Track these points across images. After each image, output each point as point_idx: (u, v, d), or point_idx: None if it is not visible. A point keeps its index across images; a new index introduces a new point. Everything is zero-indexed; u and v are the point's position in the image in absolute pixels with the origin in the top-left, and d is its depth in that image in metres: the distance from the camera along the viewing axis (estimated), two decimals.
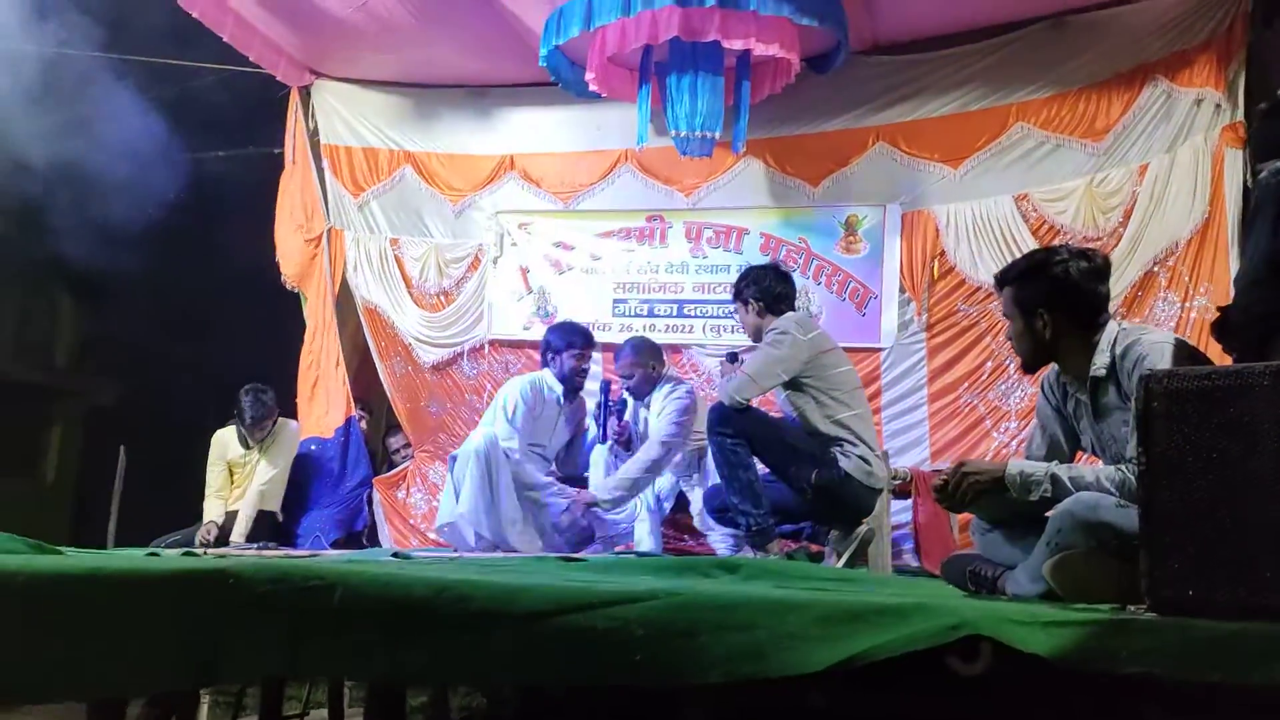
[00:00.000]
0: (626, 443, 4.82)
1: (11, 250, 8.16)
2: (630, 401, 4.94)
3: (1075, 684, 1.71)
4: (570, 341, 4.91)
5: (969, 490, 2.50)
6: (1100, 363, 2.48)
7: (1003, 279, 2.67)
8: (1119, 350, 2.46)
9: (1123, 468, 2.31)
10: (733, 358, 4.31)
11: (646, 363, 4.88)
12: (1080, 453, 2.73)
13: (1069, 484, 2.36)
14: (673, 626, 1.77)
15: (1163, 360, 2.36)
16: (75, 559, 2.55)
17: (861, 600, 1.82)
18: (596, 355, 5.40)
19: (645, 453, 4.56)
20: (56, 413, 11.83)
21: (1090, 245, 5.00)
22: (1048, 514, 2.60)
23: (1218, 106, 4.94)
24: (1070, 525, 2.23)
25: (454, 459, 4.74)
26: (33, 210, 7.15)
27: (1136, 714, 1.74)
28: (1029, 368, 2.72)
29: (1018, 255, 5.07)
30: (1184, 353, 2.40)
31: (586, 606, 1.82)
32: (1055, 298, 2.55)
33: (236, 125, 7.57)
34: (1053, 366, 2.71)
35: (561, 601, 1.83)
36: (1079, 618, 1.74)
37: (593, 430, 4.98)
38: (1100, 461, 2.57)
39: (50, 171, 6.73)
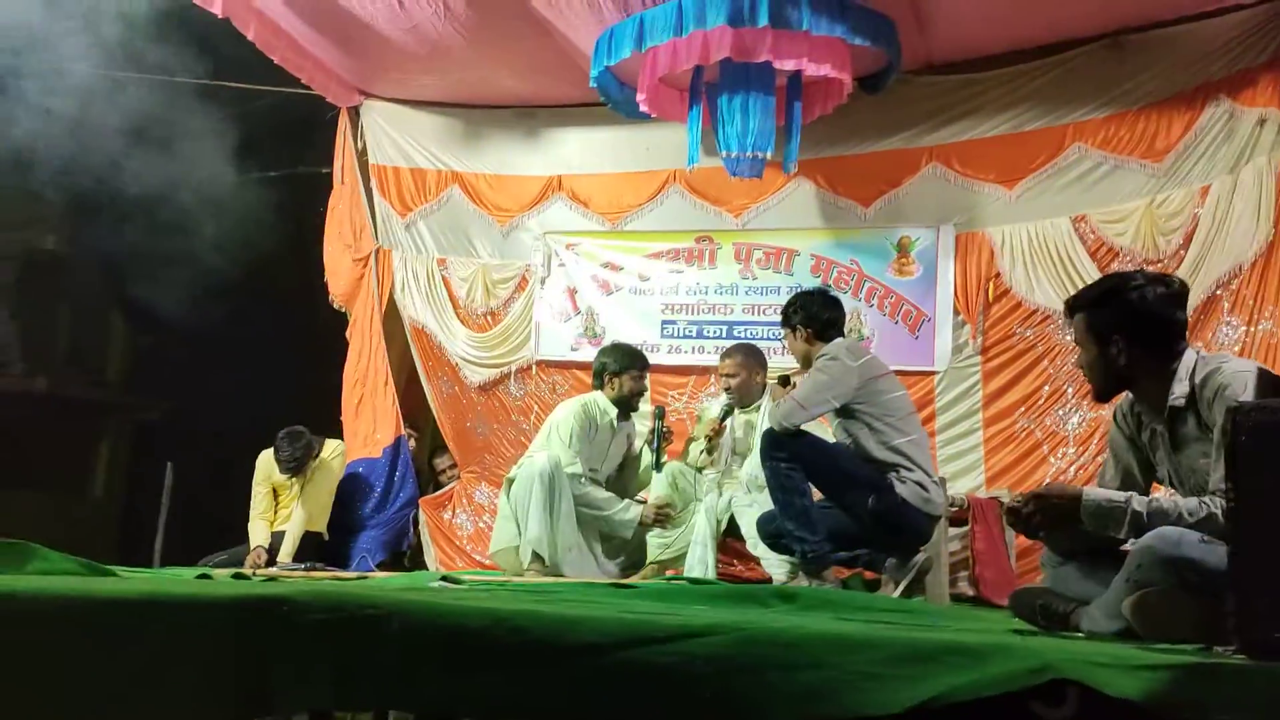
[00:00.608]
0: (713, 448, 4.74)
1: (65, 267, 8.29)
2: (735, 415, 4.81)
3: None
4: (629, 364, 4.88)
5: (1043, 515, 2.38)
6: (1179, 392, 2.38)
7: (1075, 305, 2.57)
8: (1198, 379, 2.36)
9: (1205, 501, 2.22)
10: (785, 381, 4.22)
11: (754, 368, 4.81)
12: (1157, 484, 2.63)
13: (1149, 517, 2.26)
14: (738, 663, 1.70)
15: (1245, 390, 2.26)
16: (130, 582, 2.52)
17: (937, 639, 1.75)
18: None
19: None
20: (105, 428, 11.99)
21: (1151, 268, 4.93)
22: (1123, 547, 2.52)
23: None
24: (1151, 561, 2.14)
25: (510, 482, 4.70)
26: (85, 229, 7.25)
27: None
28: (1102, 397, 2.61)
29: (1076, 277, 5.05)
30: (1267, 382, 2.30)
31: (648, 641, 1.76)
32: (1131, 324, 2.45)
33: (286, 146, 7.64)
34: (1125, 395, 2.62)
35: (622, 635, 1.77)
36: (1167, 660, 1.66)
37: (645, 456, 4.92)
38: (1178, 494, 2.47)
39: (102, 192, 6.83)
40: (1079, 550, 2.54)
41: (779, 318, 5.48)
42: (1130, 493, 2.37)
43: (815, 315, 4.11)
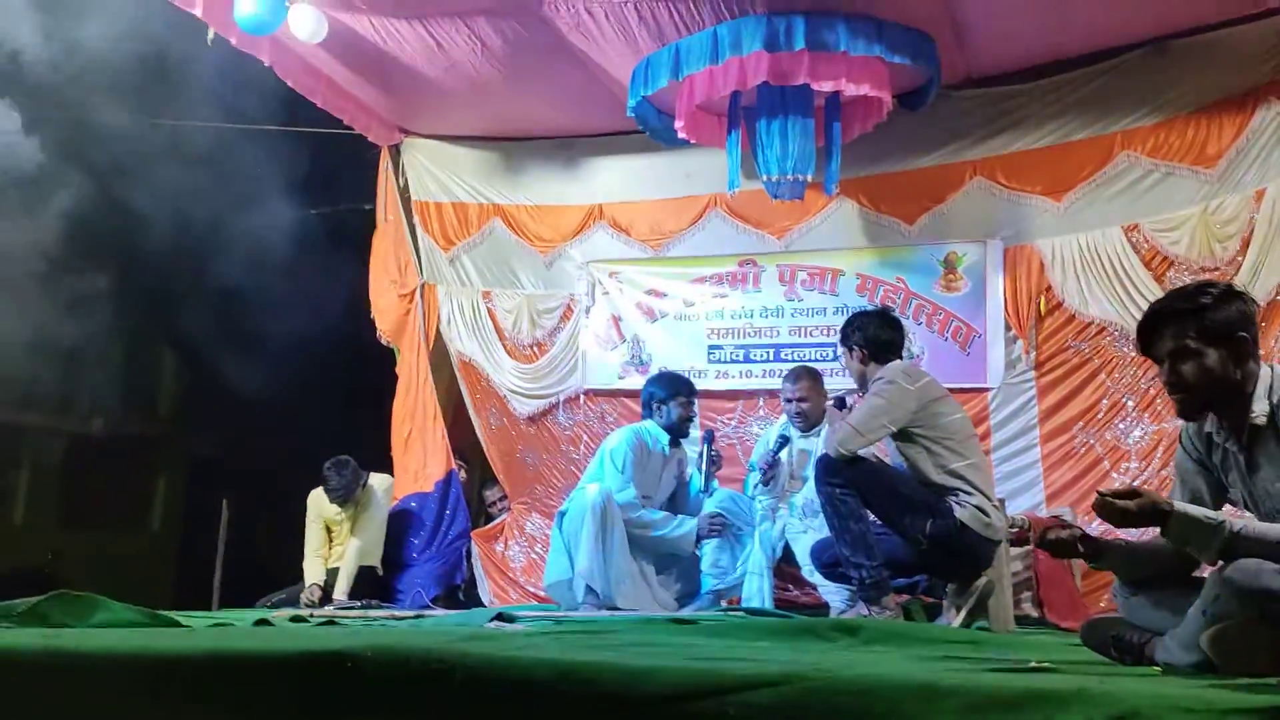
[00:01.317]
0: (769, 480, 4.70)
1: (117, 304, 8.43)
2: (792, 444, 4.79)
3: None
4: (675, 391, 4.89)
5: (1133, 513, 2.21)
6: (1259, 410, 2.30)
7: (1187, 306, 2.35)
8: (1276, 398, 2.28)
9: None
10: (841, 403, 4.17)
11: (821, 391, 4.79)
12: (1230, 507, 2.54)
13: (1243, 540, 2.13)
14: (810, 714, 1.67)
15: None
16: (194, 637, 2.53)
17: (1014, 685, 1.70)
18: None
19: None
20: (161, 464, 12.15)
21: (1207, 276, 4.83)
22: (1195, 573, 2.44)
23: None
24: (1229, 592, 2.07)
25: (562, 515, 4.70)
26: (137, 265, 7.37)
27: None
28: (1197, 411, 2.43)
29: (1130, 288, 4.98)
30: None
31: (717, 691, 1.73)
32: (1246, 328, 2.31)
33: (330, 184, 7.73)
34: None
35: (691, 686, 1.75)
36: (1256, 703, 1.60)
37: (696, 480, 4.89)
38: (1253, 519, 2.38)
39: (153, 229, 6.94)
40: (1147, 578, 2.46)
41: (826, 339, 5.50)
42: (1225, 514, 2.27)
43: (873, 336, 4.04)
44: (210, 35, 5.04)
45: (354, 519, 5.71)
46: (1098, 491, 2.32)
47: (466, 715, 1.86)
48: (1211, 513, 2.24)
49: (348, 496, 5.60)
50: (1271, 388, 2.31)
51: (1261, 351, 2.41)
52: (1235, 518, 2.24)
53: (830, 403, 4.32)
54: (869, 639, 2.91)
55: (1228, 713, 1.57)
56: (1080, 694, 1.61)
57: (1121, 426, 5.08)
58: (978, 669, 2.11)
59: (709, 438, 4.87)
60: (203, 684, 2.02)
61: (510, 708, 1.84)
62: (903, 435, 3.86)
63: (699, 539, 4.70)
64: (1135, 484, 4.78)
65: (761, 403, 5.78)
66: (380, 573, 5.79)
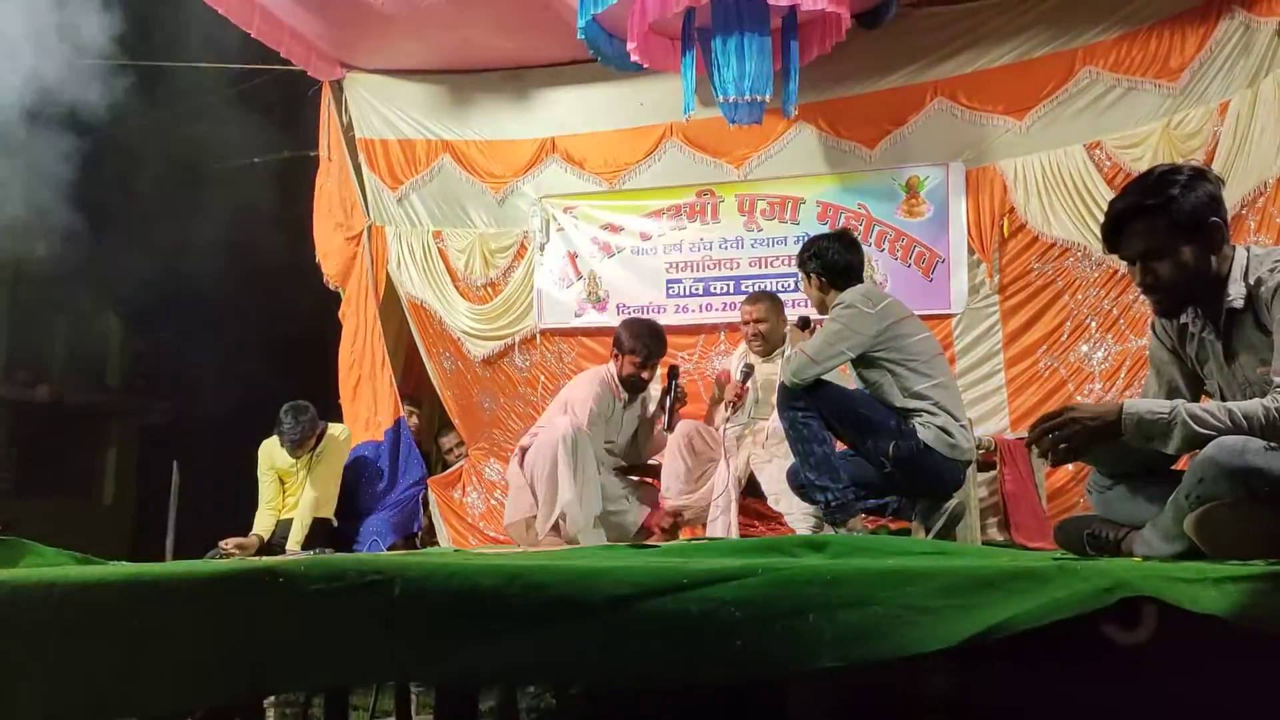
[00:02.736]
0: (736, 408, 4.55)
1: (59, 273, 8.15)
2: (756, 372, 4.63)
3: (1252, 648, 1.46)
4: (634, 348, 4.59)
5: (1078, 435, 2.13)
6: (1235, 294, 2.19)
7: (1140, 206, 2.22)
8: (1253, 278, 2.17)
9: (1265, 403, 2.03)
10: (804, 324, 4.02)
11: (780, 314, 4.66)
12: (1205, 397, 2.44)
13: (1202, 425, 2.05)
14: (776, 606, 1.53)
15: None
16: (111, 568, 2.39)
17: (993, 565, 1.59)
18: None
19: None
20: (112, 433, 11.90)
21: None
22: (1175, 466, 2.35)
23: None
24: (1215, 474, 1.97)
25: (522, 451, 4.53)
26: (76, 233, 7.09)
27: None
28: (1176, 308, 2.32)
29: (1094, 207, 4.87)
30: None
31: (676, 588, 1.59)
32: (1217, 211, 2.20)
33: (271, 128, 7.48)
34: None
35: (647, 584, 1.60)
36: (1255, 571, 1.50)
37: (661, 420, 4.75)
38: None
39: (90, 193, 6.68)
40: (1130, 470, 2.35)
41: (787, 269, 5.37)
42: (1178, 401, 2.16)
43: (831, 261, 3.89)
44: None
45: (310, 469, 5.52)
46: (1030, 438, 2.21)
47: (409, 627, 1.72)
48: (1160, 404, 2.13)
49: (301, 443, 5.40)
50: (1247, 269, 2.20)
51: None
52: (1189, 404, 2.14)
53: (793, 324, 4.18)
54: (837, 553, 2.80)
55: (1220, 580, 1.47)
56: (1063, 570, 1.51)
57: (1085, 349, 5.02)
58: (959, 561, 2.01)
59: (673, 374, 4.71)
60: (127, 606, 1.88)
61: (455, 619, 1.69)
62: (865, 360, 3.74)
63: (650, 531, 4.58)
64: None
65: (723, 336, 5.66)
66: (335, 524, 5.63)
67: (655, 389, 4.86)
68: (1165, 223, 2.20)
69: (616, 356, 4.69)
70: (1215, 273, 2.21)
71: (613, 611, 1.59)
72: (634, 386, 4.69)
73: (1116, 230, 2.29)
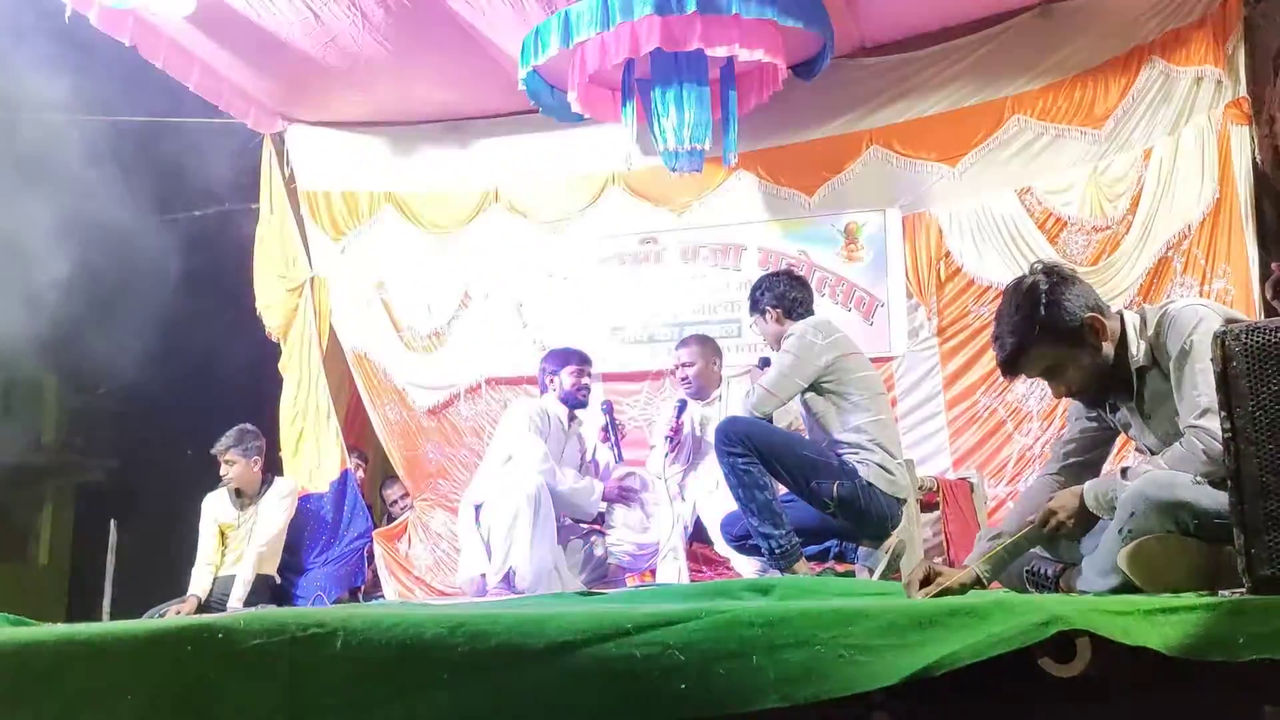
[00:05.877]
0: (676, 449, 4.59)
1: None
2: (689, 409, 4.66)
3: (1182, 677, 1.50)
4: (565, 360, 4.78)
5: (1066, 527, 2.27)
6: (1138, 352, 2.27)
7: (1025, 343, 2.28)
8: (1149, 331, 2.26)
9: (1180, 443, 2.11)
10: (765, 364, 4.10)
11: (710, 357, 4.68)
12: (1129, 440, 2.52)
13: (1144, 475, 2.13)
14: (720, 649, 1.54)
15: (1195, 318, 2.17)
16: (44, 629, 2.32)
17: (932, 603, 1.61)
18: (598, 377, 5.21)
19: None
20: (46, 493, 11.59)
21: (1100, 234, 4.91)
22: None
23: (1219, 83, 4.82)
24: (1145, 509, 2.02)
25: (478, 508, 4.50)
26: (8, 285, 6.94)
27: (1255, 708, 1.54)
28: (1097, 402, 2.43)
29: (1026, 250, 5.00)
30: (1215, 310, 2.22)
31: (621, 634, 1.59)
32: (1091, 303, 2.29)
33: (211, 181, 7.41)
34: None
35: (592, 630, 1.60)
36: (1185, 603, 1.54)
37: (604, 456, 4.77)
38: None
39: (25, 243, 6.54)
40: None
41: (730, 316, 5.43)
42: (1115, 467, 2.29)
43: (783, 295, 4.02)
44: (68, 12, 4.71)
45: (253, 523, 5.41)
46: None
47: (352, 680, 1.70)
48: (1104, 482, 2.26)
49: (240, 455, 5.27)
50: (1141, 326, 2.29)
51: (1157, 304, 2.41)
52: (1118, 466, 2.30)
53: (755, 365, 4.26)
54: (783, 595, 2.82)
55: (1151, 612, 1.50)
56: (999, 605, 1.53)
57: (1023, 390, 5.10)
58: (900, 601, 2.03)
59: (608, 409, 4.78)
60: (54, 670, 1.82)
61: (398, 669, 1.68)
62: (813, 388, 3.81)
63: (607, 501, 4.62)
64: (1037, 445, 4.82)
65: (667, 383, 5.67)
66: (278, 580, 5.51)
67: (591, 433, 4.91)
68: (1050, 341, 2.28)
69: (551, 380, 4.76)
70: (1117, 355, 2.30)
71: (557, 658, 1.59)
72: (579, 402, 4.76)
73: (1012, 365, 2.36)
